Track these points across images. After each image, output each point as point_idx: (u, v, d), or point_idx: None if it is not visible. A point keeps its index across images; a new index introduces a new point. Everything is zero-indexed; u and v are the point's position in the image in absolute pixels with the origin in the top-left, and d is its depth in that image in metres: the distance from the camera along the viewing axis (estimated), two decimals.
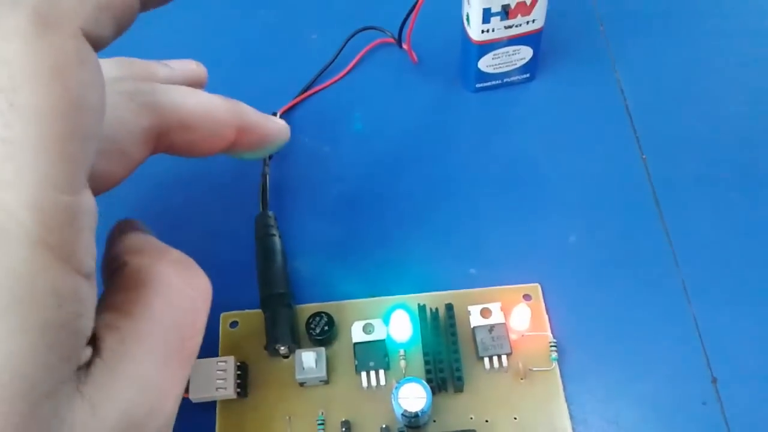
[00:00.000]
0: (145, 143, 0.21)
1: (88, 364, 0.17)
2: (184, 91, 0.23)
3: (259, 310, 0.28)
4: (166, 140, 0.22)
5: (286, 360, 0.27)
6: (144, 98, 0.21)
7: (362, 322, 0.27)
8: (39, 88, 0.15)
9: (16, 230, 0.14)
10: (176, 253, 0.21)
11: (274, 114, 0.33)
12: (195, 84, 0.26)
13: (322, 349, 0.26)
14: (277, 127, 0.26)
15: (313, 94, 0.35)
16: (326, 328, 0.27)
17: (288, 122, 0.34)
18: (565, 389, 0.26)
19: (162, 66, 0.26)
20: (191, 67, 0.27)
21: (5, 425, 0.14)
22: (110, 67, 0.21)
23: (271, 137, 0.26)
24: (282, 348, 0.26)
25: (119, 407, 0.17)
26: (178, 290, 0.20)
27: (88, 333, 0.16)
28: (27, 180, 0.14)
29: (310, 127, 0.34)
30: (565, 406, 0.26)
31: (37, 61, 0.15)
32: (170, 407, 0.19)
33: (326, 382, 0.26)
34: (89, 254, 0.16)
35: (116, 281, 0.20)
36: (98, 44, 0.16)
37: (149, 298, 0.19)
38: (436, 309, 0.27)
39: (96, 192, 0.17)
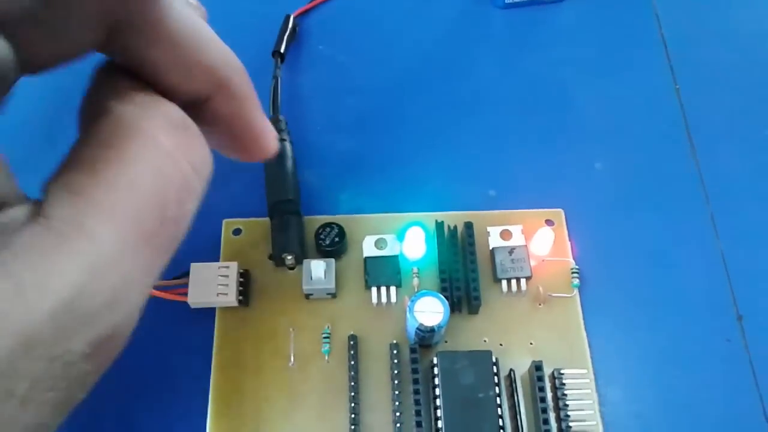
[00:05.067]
0: (94, 26, 0.15)
1: (17, 231, 0.13)
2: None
3: (265, 219, 0.26)
4: (121, 40, 0.15)
5: (291, 272, 0.25)
6: None
7: (374, 237, 0.26)
8: None
9: None
10: (175, 110, 0.15)
11: (288, 16, 0.31)
12: None
13: (332, 260, 0.25)
14: (269, 131, 0.19)
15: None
16: (337, 239, 0.25)
17: (303, 27, 0.32)
18: (584, 318, 0.25)
19: None
20: (193, 2, 0.19)
21: None
22: None
23: (256, 132, 0.19)
24: (289, 257, 0.25)
25: (61, 292, 0.13)
26: (169, 157, 0.15)
27: None
28: None
29: (325, 35, 0.32)
30: (584, 334, 0.24)
31: None
32: (134, 301, 0.14)
33: (334, 295, 0.25)
34: None
35: (91, 132, 0.15)
36: None
37: (128, 160, 0.14)
38: (455, 227, 0.26)
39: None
